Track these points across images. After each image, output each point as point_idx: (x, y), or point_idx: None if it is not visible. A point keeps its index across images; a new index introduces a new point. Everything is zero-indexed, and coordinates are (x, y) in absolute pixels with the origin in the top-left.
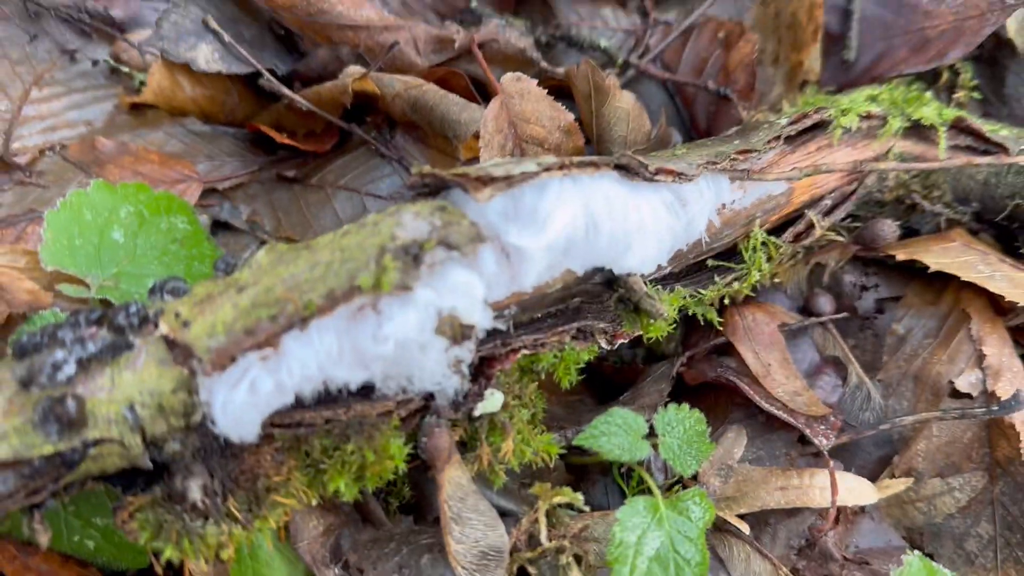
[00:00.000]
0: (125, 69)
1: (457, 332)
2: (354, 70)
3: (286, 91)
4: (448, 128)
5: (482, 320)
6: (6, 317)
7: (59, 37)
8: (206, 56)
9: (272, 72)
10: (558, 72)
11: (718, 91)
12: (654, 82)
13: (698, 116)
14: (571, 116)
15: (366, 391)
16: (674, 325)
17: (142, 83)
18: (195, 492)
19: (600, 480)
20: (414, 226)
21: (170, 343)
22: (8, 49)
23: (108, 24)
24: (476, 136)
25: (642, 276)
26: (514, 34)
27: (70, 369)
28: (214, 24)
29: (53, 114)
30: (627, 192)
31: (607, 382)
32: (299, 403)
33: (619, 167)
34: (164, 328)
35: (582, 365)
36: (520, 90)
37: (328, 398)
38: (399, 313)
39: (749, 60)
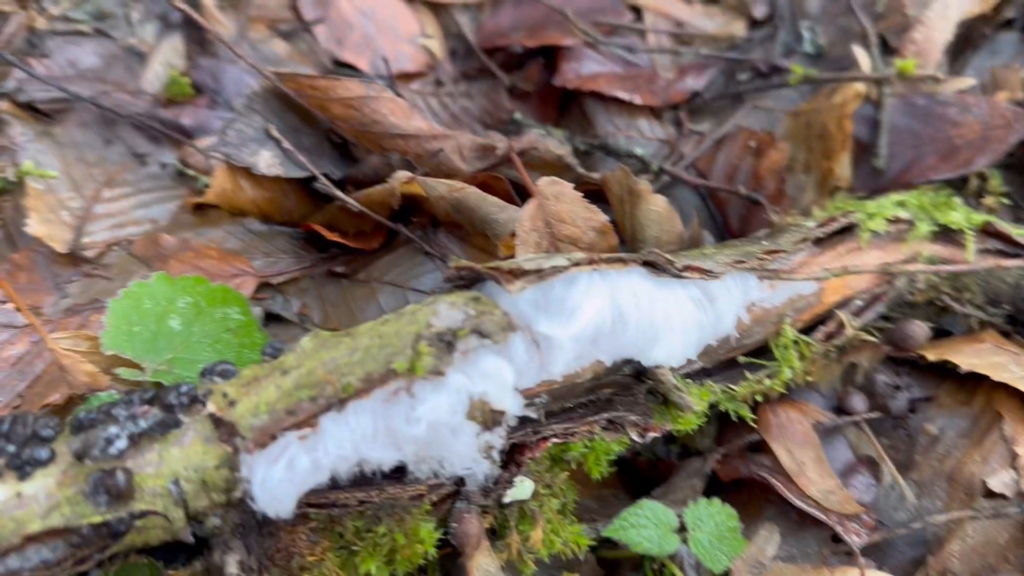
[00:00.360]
0: (191, 172)
1: (488, 418)
2: (402, 175)
3: (339, 194)
4: (487, 227)
5: (512, 406)
6: (67, 398)
7: (131, 142)
8: (267, 161)
9: (327, 176)
10: (594, 177)
11: (749, 196)
12: (687, 187)
13: (730, 219)
14: (605, 217)
15: (399, 474)
16: (707, 420)
17: (206, 185)
18: (232, 567)
19: None
20: (449, 315)
21: (216, 421)
22: (85, 152)
23: (177, 131)
24: (513, 235)
25: (671, 369)
26: (553, 142)
27: (122, 443)
28: (276, 132)
29: (121, 212)
30: (654, 287)
31: (641, 477)
32: (334, 484)
33: (647, 263)
34: (212, 407)
35: (613, 457)
36: (556, 192)
37: (362, 480)
38: (432, 396)
39: (779, 167)
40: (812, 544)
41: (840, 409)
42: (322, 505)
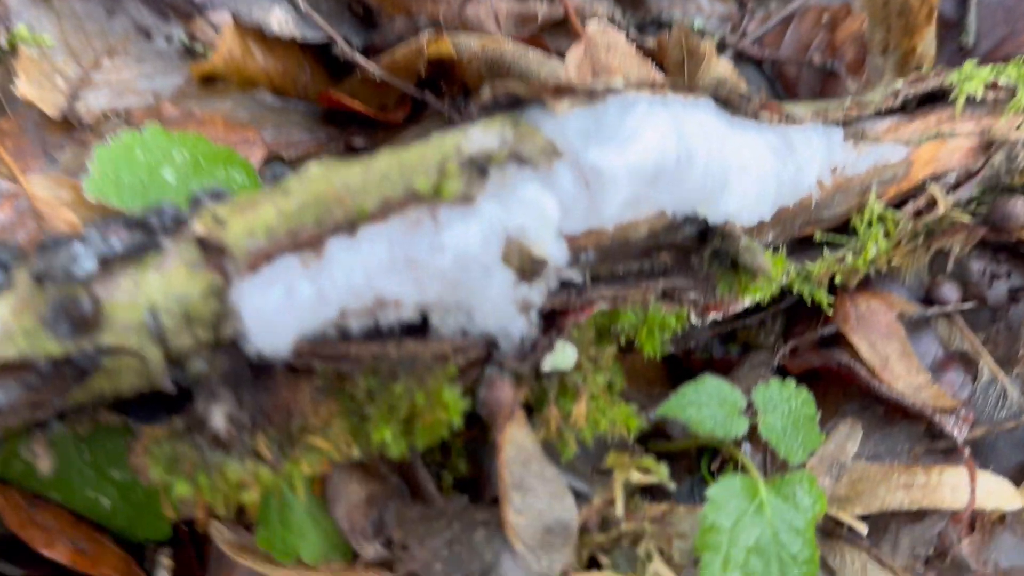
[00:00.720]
0: (199, 48)
1: (527, 264)
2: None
3: (359, 58)
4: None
5: (555, 253)
6: None
7: (136, 14)
8: (280, 20)
9: (347, 42)
10: (647, 43)
11: (824, 66)
12: (751, 66)
13: (801, 97)
14: (661, 75)
15: (420, 330)
16: (773, 309)
17: (190, 49)
18: (218, 419)
19: (687, 479)
20: (482, 139)
21: (204, 244)
22: (85, 22)
23: (186, 2)
24: None
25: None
26: (602, 5)
27: (89, 264)
28: None
29: (121, 82)
30: (726, 127)
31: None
32: (344, 334)
33: (719, 99)
34: (198, 228)
35: (670, 335)
36: (607, 42)
37: (378, 334)
38: (461, 224)
39: (858, 33)
40: (901, 441)
41: (929, 300)
42: (330, 357)
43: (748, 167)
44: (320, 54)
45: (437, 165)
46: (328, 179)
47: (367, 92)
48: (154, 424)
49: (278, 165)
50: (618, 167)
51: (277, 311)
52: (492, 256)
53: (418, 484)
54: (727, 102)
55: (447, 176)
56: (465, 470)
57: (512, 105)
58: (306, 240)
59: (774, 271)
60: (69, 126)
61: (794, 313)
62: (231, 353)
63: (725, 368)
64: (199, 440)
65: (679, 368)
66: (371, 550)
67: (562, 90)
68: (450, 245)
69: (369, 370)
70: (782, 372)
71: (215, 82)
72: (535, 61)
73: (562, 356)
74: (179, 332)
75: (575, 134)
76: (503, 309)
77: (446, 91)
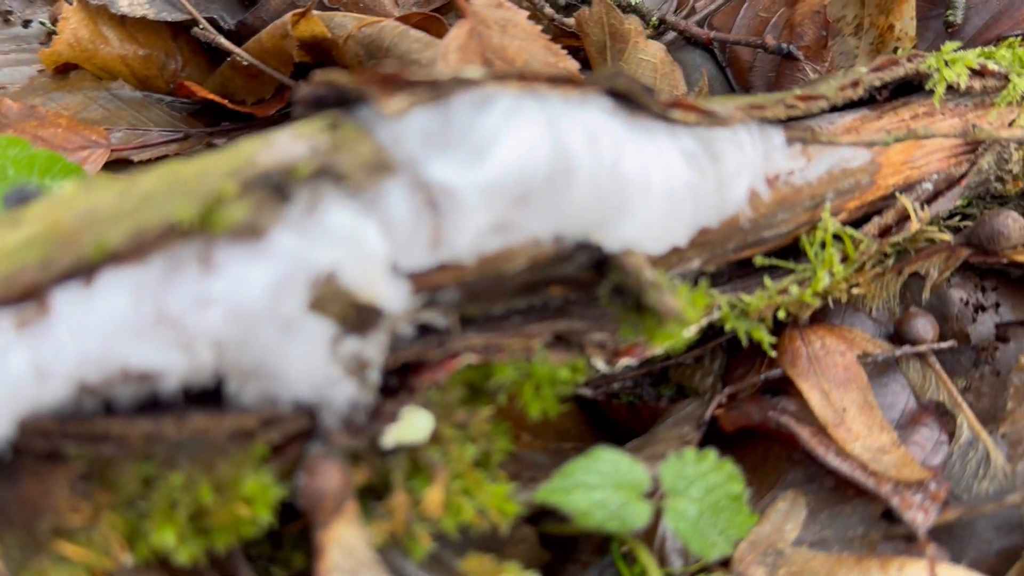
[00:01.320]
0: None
1: (350, 313)
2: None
3: (223, 40)
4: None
5: (391, 297)
6: None
7: None
8: None
9: (214, 24)
10: (568, 23)
11: (780, 49)
12: (698, 50)
13: (755, 86)
14: (575, 64)
15: (214, 399)
16: (707, 351)
17: (52, 33)
18: None
19: (595, 563)
20: (288, 148)
21: None
22: None
23: None
24: None
25: (649, 259)
26: None
27: None
28: None
29: None
30: (626, 132)
31: (617, 428)
32: (110, 409)
33: (614, 93)
34: None
35: (566, 391)
36: (501, 20)
37: (156, 406)
38: (240, 266)
39: (819, 8)
40: (854, 523)
41: (898, 337)
42: (84, 437)
43: (653, 180)
44: (193, 39)
45: (218, 182)
46: (72, 204)
47: (240, 82)
48: None
49: (30, 185)
50: (469, 184)
51: None
52: (293, 307)
53: None
54: (627, 98)
55: (222, 201)
56: (302, 564)
57: (339, 103)
58: (20, 291)
59: (691, 312)
60: None
61: (737, 350)
62: None
63: (651, 417)
64: None
65: (600, 416)
66: None
67: (396, 82)
68: (222, 297)
69: (140, 455)
70: (715, 430)
71: (70, 73)
72: (418, 43)
73: (409, 427)
74: None
75: (415, 140)
76: (320, 372)
77: None
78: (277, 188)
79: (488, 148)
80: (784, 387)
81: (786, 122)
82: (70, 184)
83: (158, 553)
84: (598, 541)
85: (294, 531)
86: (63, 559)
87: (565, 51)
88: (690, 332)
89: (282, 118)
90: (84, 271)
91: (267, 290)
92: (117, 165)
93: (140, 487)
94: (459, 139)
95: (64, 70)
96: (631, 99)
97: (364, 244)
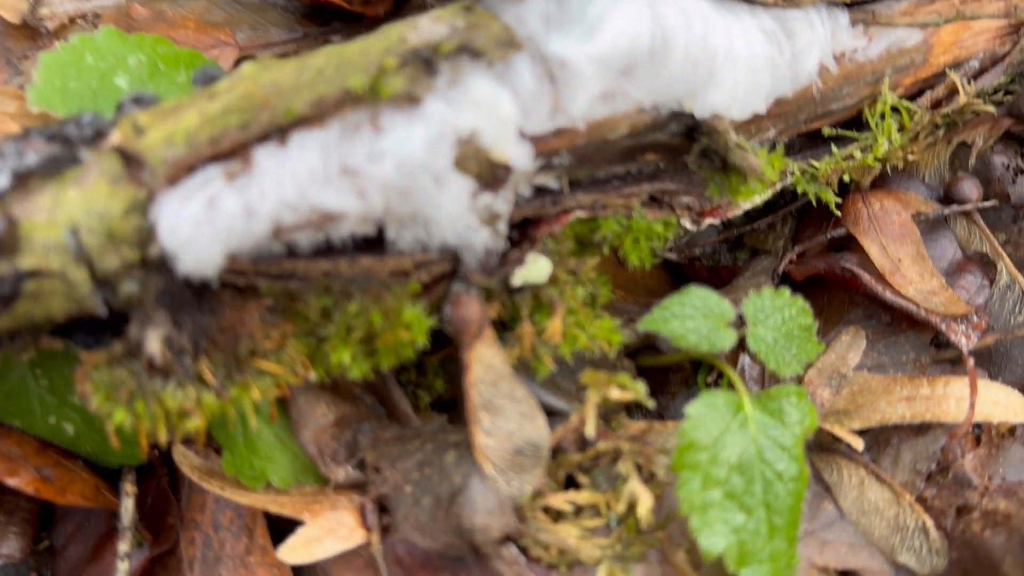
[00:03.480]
0: None
1: (485, 170)
2: None
3: None
4: None
5: (519, 158)
6: None
7: None
8: None
9: None
10: None
11: None
12: None
13: None
14: None
15: (377, 245)
16: (779, 213)
17: None
18: (153, 343)
19: (682, 393)
20: (431, 29)
21: (124, 156)
22: None
23: None
24: None
25: (733, 123)
26: None
27: (2, 181)
28: None
29: None
30: (711, 9)
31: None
32: (293, 253)
33: None
34: (117, 137)
35: (661, 244)
36: None
37: (330, 251)
38: (403, 128)
39: None
40: (907, 350)
41: (947, 198)
42: (275, 275)
43: (738, 53)
44: None
45: (377, 59)
46: (257, 79)
47: None
48: (96, 349)
49: (211, 66)
50: (583, 58)
51: (197, 227)
52: (443, 163)
53: (393, 404)
54: None
55: (385, 73)
56: (442, 389)
57: None
58: (229, 148)
59: (769, 171)
60: (33, 33)
61: (805, 215)
62: (164, 273)
63: (729, 276)
64: (135, 366)
65: (683, 277)
66: (341, 473)
67: None
68: (390, 151)
69: (321, 289)
70: (787, 279)
71: None
72: None
73: (534, 269)
74: (104, 252)
75: (536, 20)
76: (463, 220)
77: None
78: (426, 62)
79: (599, 24)
80: (847, 245)
81: (850, 5)
82: (248, 64)
83: (332, 372)
84: (685, 375)
85: (435, 361)
86: (260, 373)
87: None
88: (766, 193)
89: (389, 16)
90: (278, 132)
91: (425, 146)
92: (243, 60)
93: (319, 316)
94: (574, 18)
95: None
96: None
97: (500, 109)
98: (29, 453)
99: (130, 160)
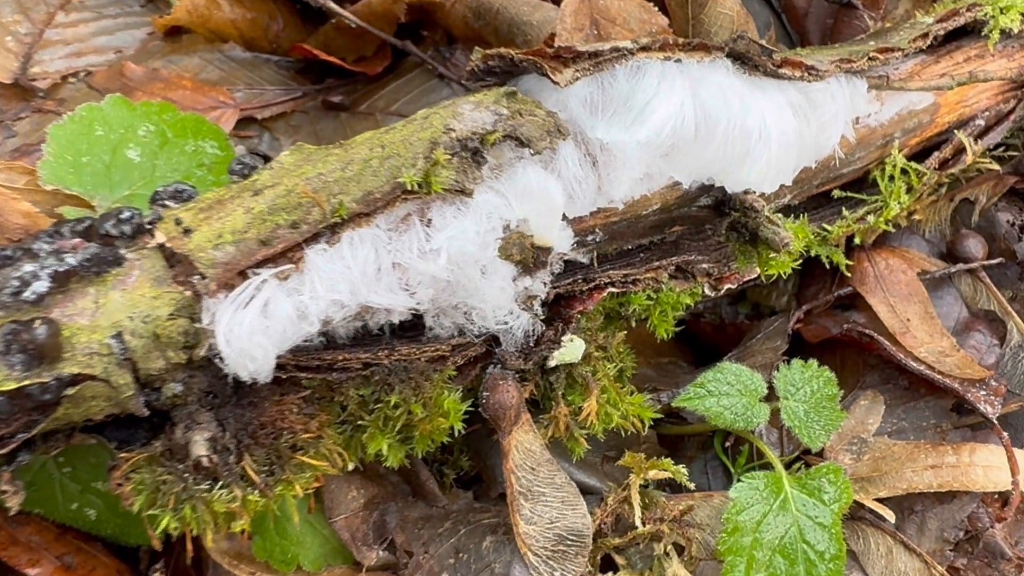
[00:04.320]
0: None
1: (528, 256)
2: None
3: (332, 5)
4: (517, 32)
5: (560, 242)
6: None
7: None
8: None
9: None
10: None
11: None
12: (755, 0)
13: (810, 36)
14: (665, 20)
15: (414, 331)
16: (789, 273)
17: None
18: (200, 446)
19: (699, 457)
20: (474, 117)
21: (168, 256)
22: None
23: None
24: (551, 38)
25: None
26: None
27: (41, 285)
28: None
29: (79, 39)
30: (745, 87)
31: (705, 344)
32: (331, 342)
33: (734, 55)
34: (161, 237)
35: (682, 313)
36: None
37: (367, 338)
38: (454, 222)
39: None
40: (927, 416)
41: (951, 255)
42: (316, 368)
43: (770, 130)
44: (293, 3)
45: (425, 150)
46: (302, 172)
47: (343, 41)
48: (132, 448)
49: (247, 155)
50: (630, 143)
51: (253, 334)
52: (490, 253)
53: (420, 483)
54: (745, 58)
55: (437, 165)
56: (467, 466)
57: (507, 72)
58: (282, 250)
59: (796, 243)
60: (25, 92)
61: (808, 271)
62: (209, 373)
63: (737, 334)
64: (181, 469)
65: (687, 333)
66: (373, 556)
67: (564, 58)
68: (444, 247)
69: (360, 379)
70: (797, 340)
71: (181, 36)
72: (526, 6)
73: (570, 350)
74: (149, 355)
75: (579, 105)
76: (503, 306)
77: (428, 38)
78: (475, 153)
79: (646, 111)
80: (853, 302)
81: (867, 71)
82: (287, 154)
83: (368, 460)
84: (701, 440)
85: (459, 440)
86: (301, 467)
87: (654, 7)
88: (791, 263)
89: (385, 73)
90: (328, 231)
91: (476, 240)
92: (243, 123)
93: (358, 406)
94: (619, 103)
95: (173, 33)
96: (749, 59)
97: (549, 198)
98: (50, 540)
99: (175, 260)
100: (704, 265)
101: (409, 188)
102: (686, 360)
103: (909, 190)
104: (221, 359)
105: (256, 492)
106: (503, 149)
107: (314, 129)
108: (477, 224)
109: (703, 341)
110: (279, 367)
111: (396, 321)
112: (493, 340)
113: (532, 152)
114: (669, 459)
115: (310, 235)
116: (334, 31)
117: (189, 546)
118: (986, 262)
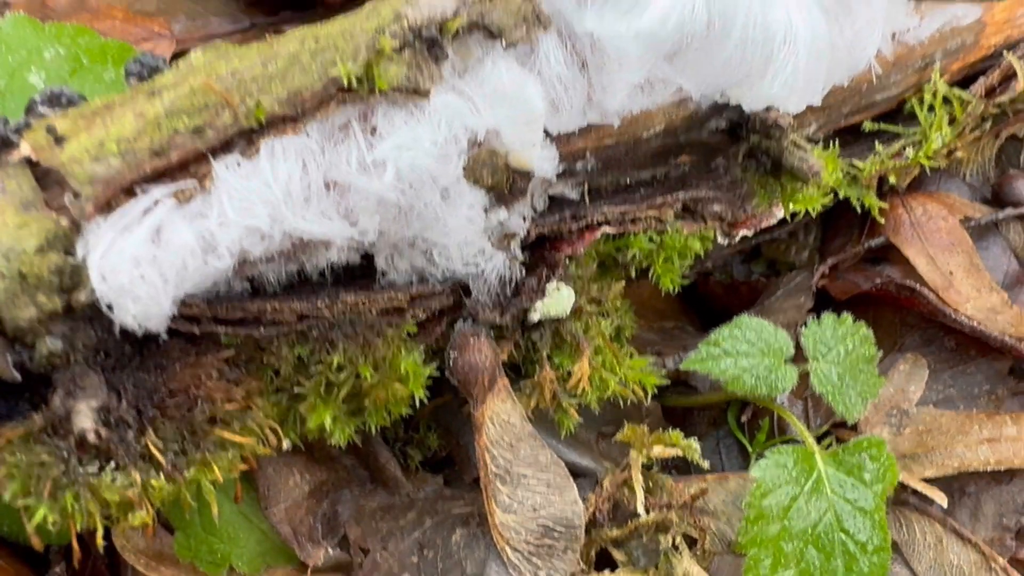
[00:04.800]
0: None
1: (502, 180)
2: None
3: None
4: None
5: (542, 164)
6: None
7: None
8: None
9: None
10: None
11: None
12: None
13: None
14: None
15: (365, 280)
16: (805, 231)
17: None
18: (84, 417)
19: (710, 435)
20: (434, 4)
21: (42, 175)
22: None
23: None
24: None
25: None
26: None
27: None
28: None
29: None
30: None
31: (714, 307)
32: (258, 290)
33: None
34: (27, 148)
35: (690, 262)
36: None
37: (305, 286)
38: (405, 128)
39: None
40: (979, 381)
41: (996, 199)
42: (238, 322)
43: (797, 32)
44: None
45: (368, 43)
46: (213, 70)
47: None
48: (8, 422)
49: (148, 55)
50: (627, 36)
51: (138, 267)
52: (453, 173)
53: (379, 467)
54: None
55: (382, 58)
56: (436, 445)
57: None
58: (178, 161)
59: (827, 174)
60: None
61: (832, 222)
62: (96, 325)
63: (751, 294)
64: (62, 448)
65: (695, 295)
66: (320, 554)
67: None
68: (390, 158)
69: (295, 335)
70: (823, 297)
71: None
72: None
73: (557, 301)
74: (15, 300)
75: None
76: (472, 242)
77: None
78: (431, 44)
79: None
80: (884, 255)
81: None
82: (199, 51)
83: (312, 436)
84: (713, 413)
85: (426, 414)
86: (222, 445)
87: None
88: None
89: (348, 3)
90: (243, 138)
91: (433, 151)
92: (180, 57)
93: (293, 370)
94: None
95: None
96: None
97: (528, 103)
98: None
99: (47, 178)
100: (716, 206)
101: (346, 85)
102: (693, 325)
103: (952, 122)
104: (106, 304)
105: (161, 476)
106: (469, 44)
107: None
108: (434, 132)
109: (712, 304)
110: (191, 320)
111: (340, 261)
112: (463, 289)
113: (504, 44)
114: (678, 431)
115: (218, 144)
116: None
117: (75, 544)
118: None
